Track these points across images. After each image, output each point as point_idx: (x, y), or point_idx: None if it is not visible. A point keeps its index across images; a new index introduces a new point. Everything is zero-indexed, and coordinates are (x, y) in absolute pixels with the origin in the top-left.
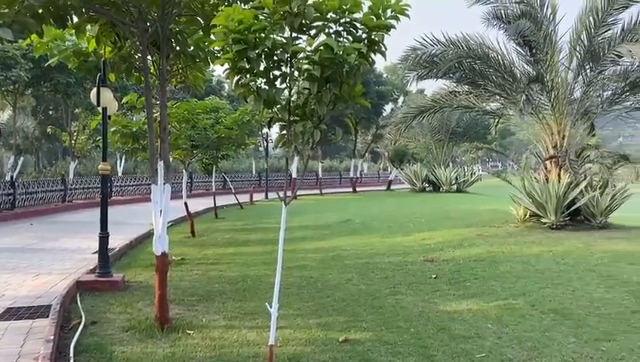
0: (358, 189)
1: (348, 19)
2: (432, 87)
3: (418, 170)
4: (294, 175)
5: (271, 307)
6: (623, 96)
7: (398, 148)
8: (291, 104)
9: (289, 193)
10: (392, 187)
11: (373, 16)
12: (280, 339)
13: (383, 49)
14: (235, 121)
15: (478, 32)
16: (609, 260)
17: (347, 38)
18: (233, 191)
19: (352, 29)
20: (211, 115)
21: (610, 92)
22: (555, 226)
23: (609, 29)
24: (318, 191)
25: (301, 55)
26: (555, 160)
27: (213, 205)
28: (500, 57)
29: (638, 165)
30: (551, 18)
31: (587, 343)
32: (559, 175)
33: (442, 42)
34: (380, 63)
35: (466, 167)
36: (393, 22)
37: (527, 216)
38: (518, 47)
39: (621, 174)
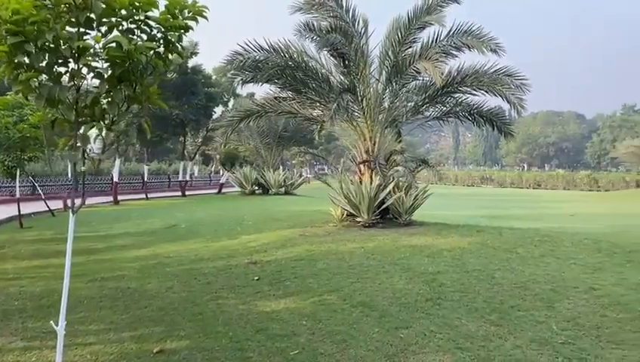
0: (187, 193)
1: (142, 17)
2: (262, 90)
3: (248, 173)
4: (116, 178)
5: (57, 325)
6: (424, 106)
7: (229, 151)
8: (79, 103)
9: (78, 200)
10: (223, 190)
11: (169, 16)
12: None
13: (180, 49)
14: (43, 119)
15: (300, 40)
16: (410, 254)
17: (141, 37)
18: (43, 197)
19: (146, 28)
20: (14, 113)
21: (413, 103)
22: (367, 224)
23: (410, 47)
24: (144, 196)
25: (90, 51)
26: (367, 164)
27: (17, 213)
28: (318, 67)
29: (438, 168)
30: (362, 32)
31: (389, 331)
32: (371, 177)
33: (265, 48)
34: (209, 65)
35: (294, 170)
36: (192, 23)
37: (345, 215)
38: (333, 59)
39: (426, 176)
